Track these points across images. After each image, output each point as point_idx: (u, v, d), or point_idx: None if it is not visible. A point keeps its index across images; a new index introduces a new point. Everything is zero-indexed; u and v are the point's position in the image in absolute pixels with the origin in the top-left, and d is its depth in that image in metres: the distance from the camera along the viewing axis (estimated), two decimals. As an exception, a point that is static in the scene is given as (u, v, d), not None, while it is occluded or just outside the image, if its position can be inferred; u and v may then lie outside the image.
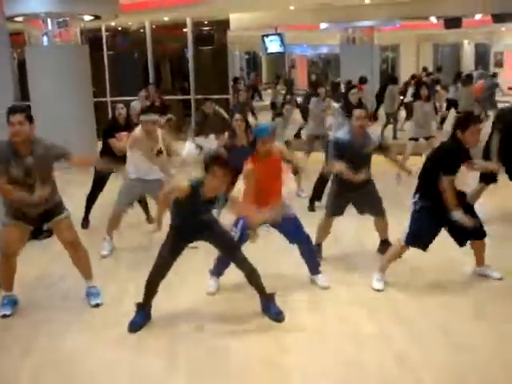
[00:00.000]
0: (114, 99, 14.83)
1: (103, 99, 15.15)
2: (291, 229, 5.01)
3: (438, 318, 4.48)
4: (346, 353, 4.03)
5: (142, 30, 15.83)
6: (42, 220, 4.77)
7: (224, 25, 14.91)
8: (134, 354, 4.13)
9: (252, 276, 4.50)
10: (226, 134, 7.16)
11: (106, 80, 15.63)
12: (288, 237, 5.08)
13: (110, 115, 7.24)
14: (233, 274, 4.80)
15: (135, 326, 4.41)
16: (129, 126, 7.04)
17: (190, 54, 15.04)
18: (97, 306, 4.85)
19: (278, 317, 4.43)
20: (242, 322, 4.51)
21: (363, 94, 11.07)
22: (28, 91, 11.20)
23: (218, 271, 5.06)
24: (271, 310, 4.48)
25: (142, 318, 4.48)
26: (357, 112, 5.40)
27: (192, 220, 4.36)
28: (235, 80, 16.48)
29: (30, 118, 4.52)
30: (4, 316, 4.73)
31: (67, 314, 4.77)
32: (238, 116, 6.88)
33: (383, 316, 4.54)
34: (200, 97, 14.53)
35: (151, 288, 4.47)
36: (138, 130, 6.02)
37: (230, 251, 4.60)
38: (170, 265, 4.44)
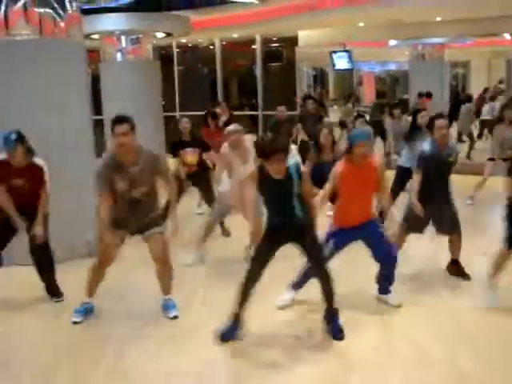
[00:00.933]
0: (184, 113, 15.12)
1: (173, 114, 15.46)
2: (381, 246, 4.87)
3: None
4: (411, 375, 3.93)
5: (211, 47, 16.10)
6: (138, 232, 4.84)
7: (292, 41, 14.98)
8: (198, 365, 4.16)
9: (327, 285, 4.39)
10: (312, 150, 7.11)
11: (175, 95, 15.94)
12: (376, 254, 4.91)
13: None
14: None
15: (226, 337, 4.38)
16: (195, 141, 7.18)
17: (258, 70, 15.17)
18: (175, 318, 4.90)
19: (338, 335, 4.38)
20: (305, 338, 4.49)
21: (428, 108, 10.81)
22: (100, 106, 11.54)
23: (299, 284, 5.01)
24: (334, 326, 4.42)
25: (233, 329, 4.43)
26: (439, 122, 5.31)
27: (285, 221, 4.27)
28: (305, 98, 16.31)
29: (133, 128, 4.58)
30: (75, 323, 4.86)
31: (136, 325, 4.85)
32: (326, 130, 6.86)
33: (453, 339, 4.41)
34: (267, 113, 14.63)
35: (243, 296, 4.38)
36: (224, 146, 6.06)
37: (318, 260, 4.46)
38: (261, 269, 4.35)
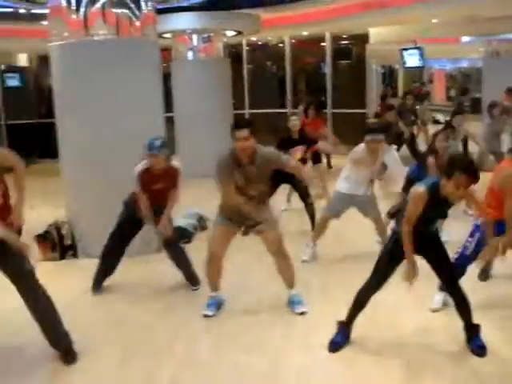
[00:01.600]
0: (252, 111, 15.23)
1: (242, 111, 15.57)
2: None
3: None
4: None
5: (280, 45, 16.12)
6: (250, 227, 4.90)
7: (363, 39, 14.81)
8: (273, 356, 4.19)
9: (463, 304, 4.22)
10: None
11: (244, 93, 16.05)
12: None
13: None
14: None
15: (335, 346, 4.25)
16: (303, 139, 7.19)
17: (327, 68, 15.08)
18: (302, 314, 4.92)
19: (480, 351, 4.17)
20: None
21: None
22: (170, 103, 11.76)
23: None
24: (474, 342, 4.22)
25: (342, 337, 4.32)
26: None
27: (420, 229, 4.05)
28: (383, 97, 16.01)
29: (253, 131, 4.64)
30: (206, 316, 4.95)
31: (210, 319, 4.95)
32: (441, 137, 6.58)
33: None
34: (337, 111, 14.53)
35: (359, 304, 4.29)
36: (360, 148, 6.06)
37: (448, 275, 4.28)
38: (385, 279, 4.22)
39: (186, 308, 5.25)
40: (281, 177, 6.35)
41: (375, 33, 15.04)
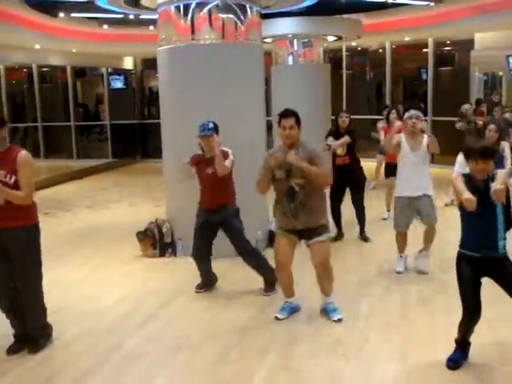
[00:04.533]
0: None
1: (340, 117, 15.42)
2: None
3: None
4: None
5: (380, 50, 15.89)
6: (305, 237, 4.95)
7: (468, 45, 14.33)
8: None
9: None
10: None
11: (343, 98, 15.93)
12: None
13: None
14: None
15: (452, 364, 4.07)
16: (348, 134, 7.37)
17: (429, 74, 14.70)
18: (339, 321, 4.92)
19: None
20: None
21: None
22: (269, 107, 11.85)
23: None
24: None
25: (459, 355, 4.12)
26: None
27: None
28: (478, 102, 15.53)
29: (299, 122, 4.77)
30: (276, 318, 5.01)
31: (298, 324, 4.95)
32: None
33: None
34: (437, 118, 14.14)
35: (469, 326, 4.05)
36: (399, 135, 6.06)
37: None
38: (477, 299, 3.96)
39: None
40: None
41: (480, 38, 14.53)
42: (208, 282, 5.88)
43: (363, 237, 7.55)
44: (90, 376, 4.19)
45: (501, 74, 22.99)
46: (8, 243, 4.31)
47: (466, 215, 3.88)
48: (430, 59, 14.53)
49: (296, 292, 5.19)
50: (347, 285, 5.78)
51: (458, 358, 4.10)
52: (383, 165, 9.09)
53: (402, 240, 6.22)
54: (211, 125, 5.44)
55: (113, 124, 17.09)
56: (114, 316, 5.26)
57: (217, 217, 5.56)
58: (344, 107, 15.77)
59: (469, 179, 3.85)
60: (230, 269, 6.31)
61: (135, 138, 17.34)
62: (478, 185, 3.80)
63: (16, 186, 4.27)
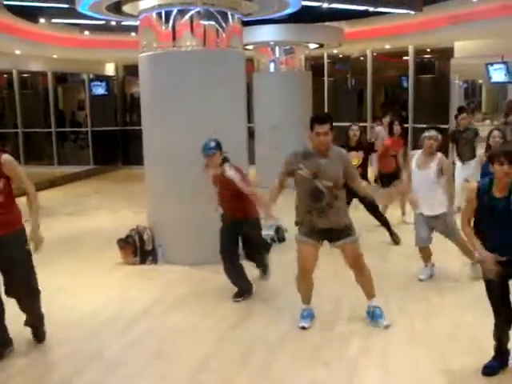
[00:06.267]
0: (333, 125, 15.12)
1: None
2: None
3: None
4: None
5: (361, 58, 15.99)
6: (329, 238, 4.88)
7: (448, 53, 14.46)
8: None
9: None
10: None
11: (324, 105, 15.99)
12: None
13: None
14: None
15: (488, 370, 4.03)
16: (360, 146, 7.37)
17: (410, 82, 14.82)
18: (386, 327, 4.88)
19: None
20: None
21: None
22: (250, 114, 11.87)
23: None
24: None
25: (498, 362, 4.07)
26: None
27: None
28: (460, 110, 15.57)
29: (332, 127, 4.68)
30: (303, 328, 4.96)
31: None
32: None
33: None
34: (418, 126, 14.23)
35: (501, 333, 4.04)
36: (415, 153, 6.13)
37: None
38: (502, 301, 3.96)
39: (262, 319, 5.26)
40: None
41: (460, 46, 14.69)
42: (246, 289, 5.81)
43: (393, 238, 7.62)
44: (68, 385, 4.15)
45: (481, 81, 23.23)
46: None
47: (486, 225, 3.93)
48: (411, 67, 14.66)
49: (280, 299, 5.18)
50: (330, 287, 5.79)
51: (493, 366, 4.06)
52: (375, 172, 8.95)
53: (424, 254, 6.25)
54: (213, 143, 5.46)
55: (94, 130, 17.00)
56: (94, 324, 5.22)
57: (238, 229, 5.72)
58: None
59: (488, 198, 3.82)
60: (210, 277, 6.29)
61: (117, 145, 17.25)
62: (497, 205, 3.79)
63: (5, 190, 4.29)
